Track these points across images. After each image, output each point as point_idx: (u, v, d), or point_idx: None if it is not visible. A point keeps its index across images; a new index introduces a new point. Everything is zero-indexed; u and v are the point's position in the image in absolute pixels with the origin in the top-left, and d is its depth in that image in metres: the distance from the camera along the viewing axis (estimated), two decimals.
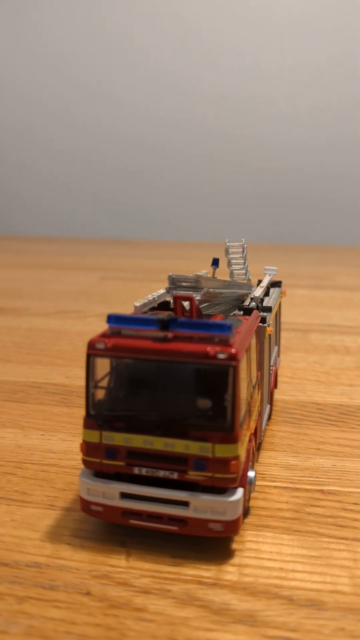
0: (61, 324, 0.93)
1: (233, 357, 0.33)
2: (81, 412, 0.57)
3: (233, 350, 0.33)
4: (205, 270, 0.51)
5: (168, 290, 0.41)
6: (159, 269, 1.50)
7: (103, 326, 0.86)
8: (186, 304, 0.41)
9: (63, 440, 0.51)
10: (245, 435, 0.36)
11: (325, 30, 1.94)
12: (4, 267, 1.52)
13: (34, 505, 0.41)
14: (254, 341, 0.41)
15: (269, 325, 0.46)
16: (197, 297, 0.39)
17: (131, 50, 2.08)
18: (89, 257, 1.74)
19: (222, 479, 0.34)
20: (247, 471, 0.37)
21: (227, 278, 0.54)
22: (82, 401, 0.60)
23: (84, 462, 0.36)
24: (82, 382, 0.66)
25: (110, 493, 0.36)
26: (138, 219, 2.15)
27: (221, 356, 0.33)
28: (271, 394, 0.54)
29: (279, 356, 0.64)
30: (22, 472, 0.45)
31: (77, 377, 0.67)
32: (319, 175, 2.04)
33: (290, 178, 2.05)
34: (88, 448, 0.36)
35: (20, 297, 1.14)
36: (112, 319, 0.36)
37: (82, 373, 0.69)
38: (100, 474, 0.36)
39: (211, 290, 0.41)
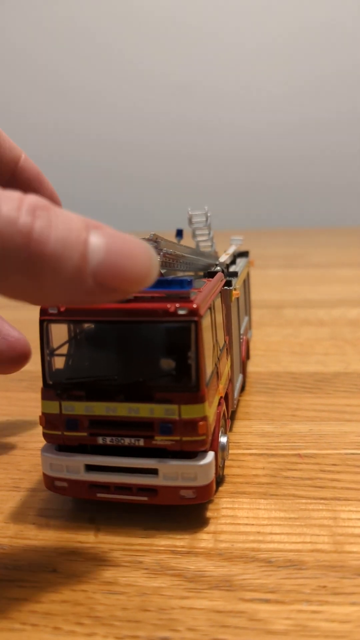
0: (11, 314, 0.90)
1: (194, 313, 0.31)
2: None
3: (194, 306, 0.32)
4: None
5: None
6: None
7: None
8: None
9: (30, 423, 0.49)
10: (213, 397, 0.35)
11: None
12: None
13: None
14: (218, 303, 0.40)
15: (235, 289, 0.45)
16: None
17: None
18: None
19: (190, 442, 0.32)
20: (218, 436, 0.35)
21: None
22: None
23: (45, 435, 0.34)
24: None
25: (74, 466, 0.34)
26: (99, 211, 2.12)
27: (182, 312, 0.31)
28: (243, 365, 0.53)
29: (250, 328, 0.63)
30: None
31: None
32: (282, 159, 2.04)
33: (254, 164, 2.05)
34: (48, 420, 0.34)
35: None
36: None
37: None
38: (63, 447, 0.34)
39: (171, 252, 0.39)
